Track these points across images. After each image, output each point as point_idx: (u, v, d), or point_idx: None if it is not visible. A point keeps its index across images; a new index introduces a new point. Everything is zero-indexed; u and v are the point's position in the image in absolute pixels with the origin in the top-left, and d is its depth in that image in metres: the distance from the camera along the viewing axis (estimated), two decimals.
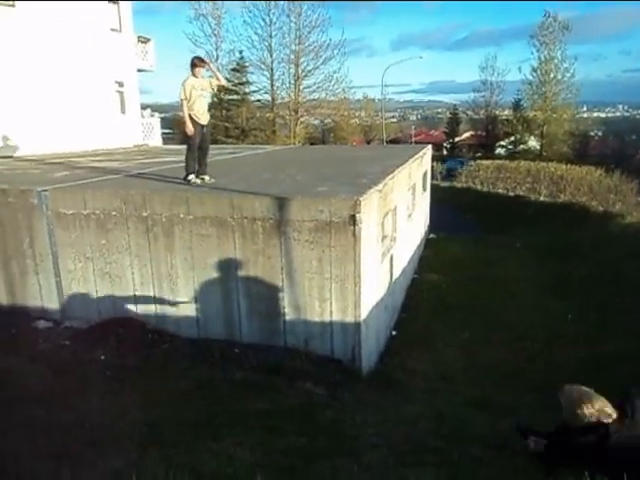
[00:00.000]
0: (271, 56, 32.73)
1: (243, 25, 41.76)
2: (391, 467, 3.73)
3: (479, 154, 46.56)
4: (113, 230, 6.20)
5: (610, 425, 3.21)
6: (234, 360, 5.59)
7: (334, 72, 32.36)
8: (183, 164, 6.96)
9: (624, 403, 3.39)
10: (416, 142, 49.64)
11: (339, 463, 3.71)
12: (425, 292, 9.98)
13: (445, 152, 54.32)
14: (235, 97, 34.15)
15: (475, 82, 49.18)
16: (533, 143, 44.78)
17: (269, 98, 34.43)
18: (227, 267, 5.87)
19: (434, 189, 16.76)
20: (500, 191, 25.25)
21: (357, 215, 5.27)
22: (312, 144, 35.55)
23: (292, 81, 33.08)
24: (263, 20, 32.04)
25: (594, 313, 8.85)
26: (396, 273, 7.92)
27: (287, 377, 5.27)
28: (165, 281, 6.14)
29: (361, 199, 5.32)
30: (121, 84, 16.98)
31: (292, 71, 32.80)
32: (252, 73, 34.14)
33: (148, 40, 18.47)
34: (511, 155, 42.14)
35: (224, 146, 20.55)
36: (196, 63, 6.44)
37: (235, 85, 33.33)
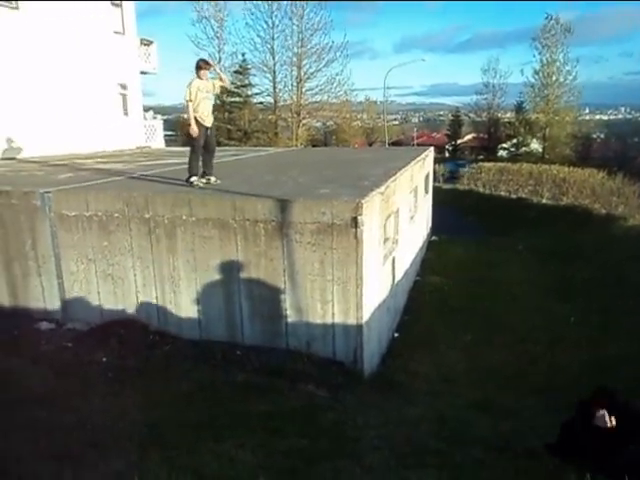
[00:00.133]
0: (273, 58, 32.82)
1: (245, 27, 42.08)
2: (393, 469, 3.72)
3: (481, 156, 46.59)
4: (115, 232, 6.22)
5: None
6: (236, 362, 5.60)
7: (336, 74, 32.39)
8: (186, 166, 7.00)
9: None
10: (418, 144, 49.60)
11: (341, 465, 3.71)
12: (427, 294, 9.98)
13: (447, 154, 54.40)
14: (237, 99, 34.20)
15: (477, 84, 49.48)
16: (535, 145, 44.72)
17: (271, 100, 34.50)
18: (229, 269, 5.87)
19: (436, 191, 16.75)
20: (502, 193, 25.27)
21: (359, 217, 5.27)
22: (314, 146, 35.56)
23: (294, 83, 33.14)
24: (265, 22, 32.14)
25: (597, 316, 8.84)
26: (398, 275, 7.92)
27: (289, 379, 5.27)
28: (167, 283, 6.15)
29: (363, 201, 5.32)
30: (124, 86, 17.05)
31: (294, 73, 32.87)
32: (254, 75, 34.28)
33: (151, 42, 18.55)
34: (513, 157, 42.04)
35: (227, 148, 20.59)
36: (201, 65, 6.50)
37: (237, 87, 33.40)
